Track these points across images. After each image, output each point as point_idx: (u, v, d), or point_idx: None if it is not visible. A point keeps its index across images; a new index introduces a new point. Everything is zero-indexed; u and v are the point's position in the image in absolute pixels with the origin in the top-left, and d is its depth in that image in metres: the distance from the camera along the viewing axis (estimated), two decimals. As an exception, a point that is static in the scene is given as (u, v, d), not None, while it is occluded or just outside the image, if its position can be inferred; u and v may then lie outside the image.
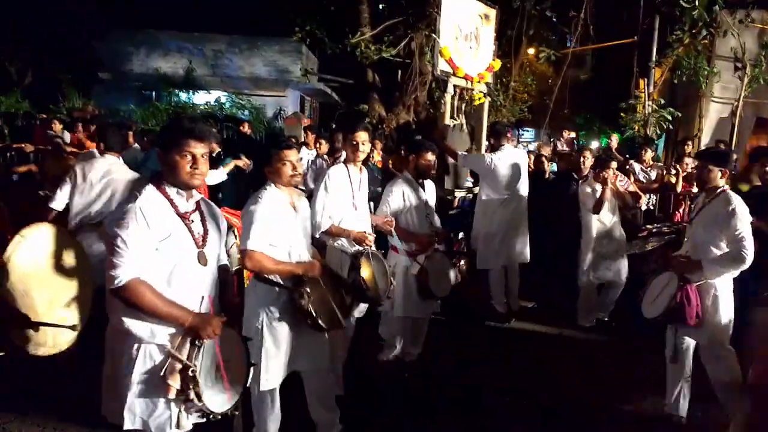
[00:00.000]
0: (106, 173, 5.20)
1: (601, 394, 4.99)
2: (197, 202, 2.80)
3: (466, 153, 6.56)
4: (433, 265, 4.88)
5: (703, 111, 13.71)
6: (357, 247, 4.30)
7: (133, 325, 2.57)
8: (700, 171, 4.22)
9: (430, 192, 5.21)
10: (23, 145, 9.44)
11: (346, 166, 4.46)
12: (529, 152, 10.02)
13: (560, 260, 7.22)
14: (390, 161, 8.04)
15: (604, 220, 6.37)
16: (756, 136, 13.52)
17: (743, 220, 3.93)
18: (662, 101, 12.80)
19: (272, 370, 3.47)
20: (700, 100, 13.69)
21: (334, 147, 8.39)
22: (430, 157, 5.03)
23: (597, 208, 6.22)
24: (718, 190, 4.11)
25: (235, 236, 5.14)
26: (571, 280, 6.73)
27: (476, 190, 6.93)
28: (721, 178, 4.12)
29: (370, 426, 4.23)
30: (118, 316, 2.58)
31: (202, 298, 2.74)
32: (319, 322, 3.40)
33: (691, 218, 4.37)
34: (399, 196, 5.00)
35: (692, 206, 4.72)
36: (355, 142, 4.37)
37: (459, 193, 7.20)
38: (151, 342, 2.59)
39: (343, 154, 4.69)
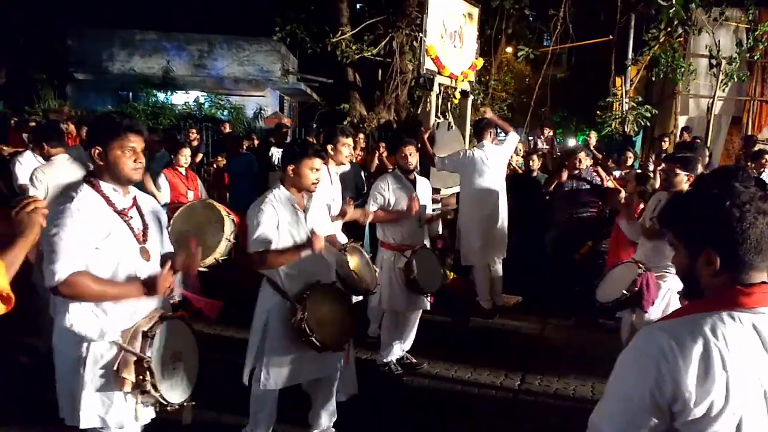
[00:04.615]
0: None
1: (586, 386, 5.08)
2: (134, 198, 2.79)
3: (442, 157, 6.58)
4: (419, 259, 4.92)
5: (679, 108, 13.96)
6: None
7: (81, 325, 2.56)
8: (667, 174, 4.32)
9: (423, 189, 5.23)
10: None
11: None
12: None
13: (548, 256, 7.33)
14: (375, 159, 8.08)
15: None
16: (732, 135, 13.81)
17: None
18: (640, 99, 12.99)
19: (272, 373, 3.50)
20: (676, 98, 13.94)
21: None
22: (407, 150, 5.06)
23: None
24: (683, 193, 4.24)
25: (234, 223, 5.42)
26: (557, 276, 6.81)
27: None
28: (687, 182, 4.24)
29: (359, 424, 4.25)
30: (65, 317, 2.57)
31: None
32: (313, 339, 3.37)
33: (651, 217, 4.47)
34: (384, 191, 5.03)
35: (648, 205, 4.81)
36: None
37: (445, 192, 7.24)
38: (101, 340, 2.58)
39: None
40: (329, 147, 4.92)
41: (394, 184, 5.07)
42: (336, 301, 3.63)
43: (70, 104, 16.10)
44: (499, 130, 7.04)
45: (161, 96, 18.44)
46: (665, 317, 1.67)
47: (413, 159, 5.10)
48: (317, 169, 3.56)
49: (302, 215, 3.60)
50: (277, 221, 3.46)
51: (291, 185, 3.59)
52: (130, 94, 18.70)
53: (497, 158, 6.54)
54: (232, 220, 5.76)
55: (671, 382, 1.46)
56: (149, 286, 2.63)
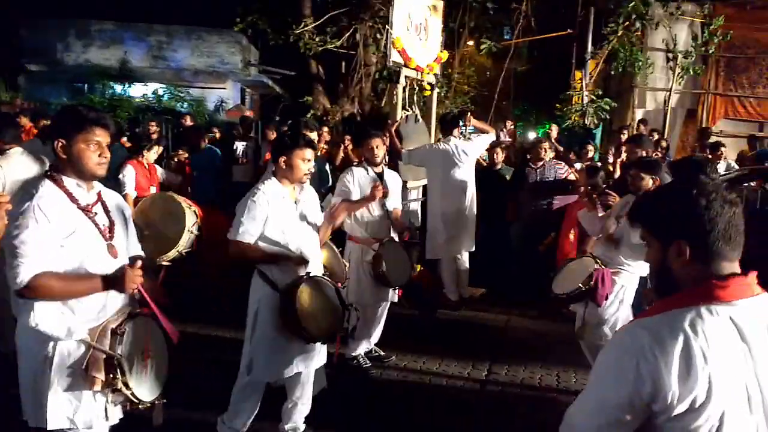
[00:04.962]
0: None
1: (552, 375, 5.15)
2: (98, 193, 2.70)
3: (409, 150, 6.58)
4: (387, 252, 4.91)
5: (636, 101, 14.23)
6: None
7: (47, 324, 2.48)
8: (633, 179, 4.41)
9: (391, 182, 5.21)
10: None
11: None
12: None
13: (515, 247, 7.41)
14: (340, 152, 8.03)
15: None
16: (687, 127, 14.15)
17: None
18: (599, 92, 13.19)
19: (261, 364, 3.50)
20: (633, 91, 14.21)
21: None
22: (374, 143, 5.04)
23: None
24: None
25: (196, 215, 5.38)
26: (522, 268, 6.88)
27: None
28: (653, 185, 4.33)
29: (328, 418, 4.24)
30: (30, 316, 2.49)
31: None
32: (303, 332, 3.39)
33: (618, 216, 4.55)
34: (349, 184, 5.00)
35: (614, 207, 4.90)
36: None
37: (414, 184, 7.23)
38: (68, 339, 2.51)
39: None
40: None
41: (360, 177, 5.03)
42: (326, 293, 3.63)
43: (23, 96, 15.60)
44: (462, 124, 7.05)
45: (118, 88, 18.01)
46: (644, 313, 1.66)
47: (380, 152, 5.07)
48: (309, 160, 3.55)
49: (294, 207, 3.59)
50: (267, 215, 3.45)
51: (282, 177, 3.58)
52: (86, 86, 18.23)
53: (465, 152, 6.55)
54: (194, 211, 5.67)
55: (651, 382, 1.46)
56: (115, 281, 2.55)
